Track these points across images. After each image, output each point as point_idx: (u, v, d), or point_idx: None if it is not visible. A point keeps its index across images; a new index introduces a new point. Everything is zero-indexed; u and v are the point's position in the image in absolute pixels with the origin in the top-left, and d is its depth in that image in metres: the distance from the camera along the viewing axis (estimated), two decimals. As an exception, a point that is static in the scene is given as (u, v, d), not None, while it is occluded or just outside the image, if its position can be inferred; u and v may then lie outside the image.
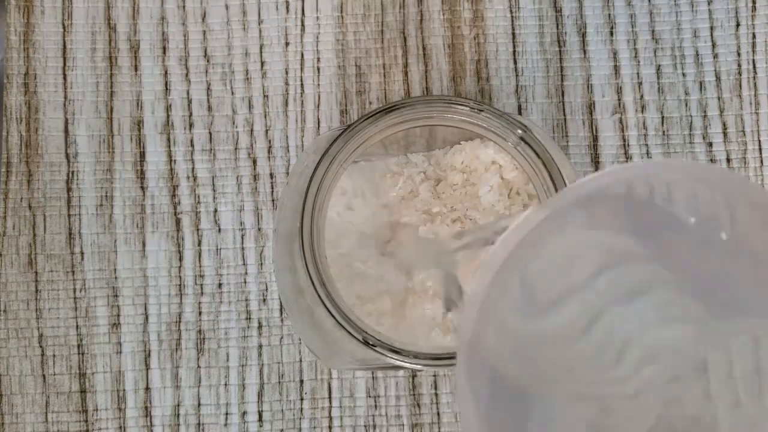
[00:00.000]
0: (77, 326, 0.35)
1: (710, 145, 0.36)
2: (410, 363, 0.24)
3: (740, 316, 0.18)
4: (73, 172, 0.35)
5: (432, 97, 0.26)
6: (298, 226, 0.25)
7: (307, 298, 0.26)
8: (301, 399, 0.35)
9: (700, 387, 0.18)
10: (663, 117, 0.36)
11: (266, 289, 0.35)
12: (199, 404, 0.34)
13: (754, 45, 0.37)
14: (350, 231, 0.28)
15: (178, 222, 0.35)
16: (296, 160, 0.36)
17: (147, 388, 0.35)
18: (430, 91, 0.36)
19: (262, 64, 0.36)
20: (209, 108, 0.36)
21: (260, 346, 0.35)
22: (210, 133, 0.36)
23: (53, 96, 0.36)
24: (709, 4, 0.37)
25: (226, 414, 0.34)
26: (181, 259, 0.35)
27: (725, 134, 0.36)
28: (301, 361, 0.35)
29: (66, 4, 0.36)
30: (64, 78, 0.36)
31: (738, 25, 0.37)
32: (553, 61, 0.37)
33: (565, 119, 0.36)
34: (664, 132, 0.36)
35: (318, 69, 0.36)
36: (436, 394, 0.35)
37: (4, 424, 0.34)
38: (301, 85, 0.36)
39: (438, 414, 0.34)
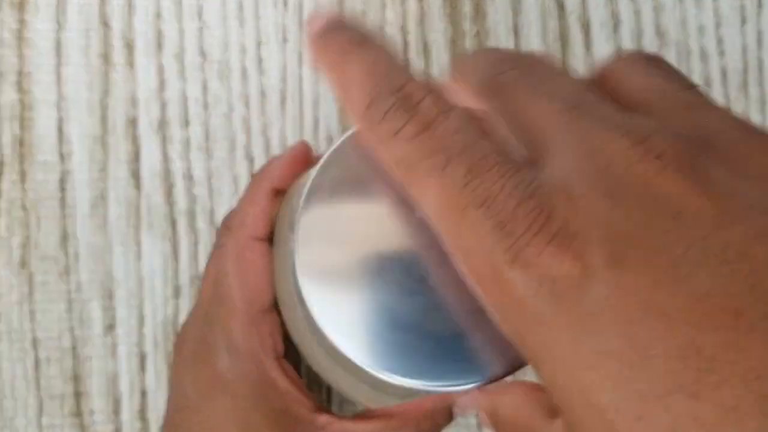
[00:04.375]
0: (71, 328, 0.34)
1: (716, 143, 0.36)
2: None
3: None
4: (67, 172, 0.35)
5: None
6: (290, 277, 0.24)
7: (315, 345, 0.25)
8: (300, 402, 0.34)
9: None
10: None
11: (263, 291, 0.34)
12: (195, 408, 0.34)
13: (760, 42, 0.37)
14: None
15: (173, 222, 0.35)
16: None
17: (142, 391, 0.34)
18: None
19: (260, 61, 0.36)
20: (205, 106, 0.35)
21: (257, 349, 0.34)
22: (206, 131, 0.35)
23: (47, 94, 0.35)
24: (714, 0, 0.37)
25: (223, 418, 0.34)
26: (176, 259, 0.35)
27: (731, 132, 0.36)
28: (299, 363, 0.34)
29: (60, 1, 0.36)
30: (58, 75, 0.35)
31: (744, 21, 0.37)
32: (556, 58, 0.36)
33: (568, 117, 0.36)
34: (669, 130, 0.36)
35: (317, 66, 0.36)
36: (437, 398, 0.34)
37: (-5, 429, 0.34)
38: (299, 82, 0.36)
39: (439, 418, 0.34)
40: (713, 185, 0.15)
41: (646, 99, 0.18)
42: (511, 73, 0.18)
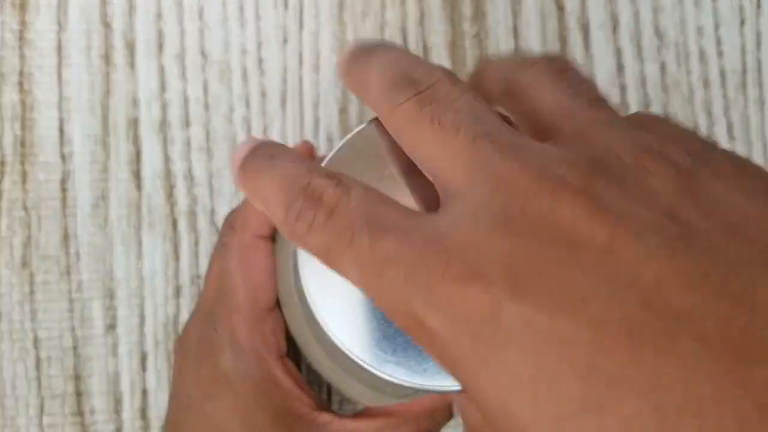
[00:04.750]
0: (72, 328, 0.34)
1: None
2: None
3: None
4: (68, 172, 0.35)
5: None
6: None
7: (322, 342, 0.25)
8: (300, 402, 0.34)
9: None
10: (667, 115, 0.36)
11: (264, 291, 0.35)
12: (196, 407, 0.34)
13: (759, 43, 0.37)
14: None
15: (174, 222, 0.35)
16: None
17: (143, 390, 0.34)
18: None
19: (260, 61, 0.36)
20: (206, 106, 0.36)
21: (258, 348, 0.34)
22: (207, 132, 0.35)
23: (48, 94, 0.35)
24: (713, 1, 0.37)
25: (224, 417, 0.34)
26: (177, 259, 0.35)
27: (730, 133, 0.36)
28: (299, 362, 0.34)
29: (61, 2, 0.36)
30: (59, 76, 0.36)
31: (743, 22, 0.37)
32: (556, 59, 0.36)
33: (567, 118, 0.36)
34: (668, 131, 0.36)
35: (317, 67, 0.36)
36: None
37: (-3, 428, 0.34)
38: (300, 83, 0.36)
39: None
40: (607, 210, 0.16)
41: (554, 121, 0.19)
42: (407, 104, 0.19)
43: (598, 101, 0.20)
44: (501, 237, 0.16)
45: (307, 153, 0.29)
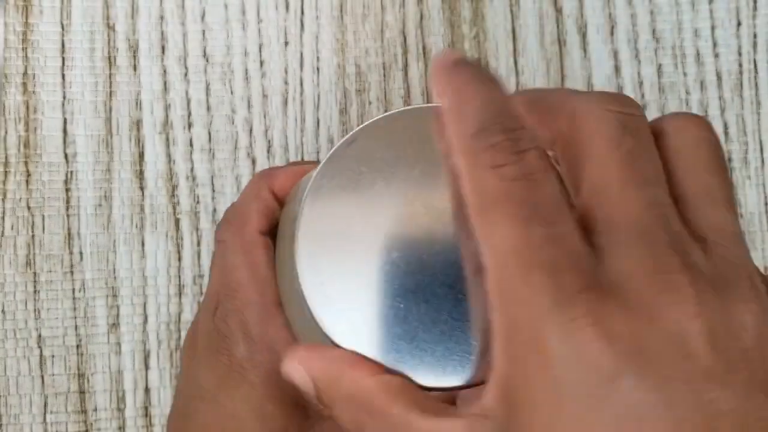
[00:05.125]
0: (76, 326, 0.35)
1: (711, 144, 0.36)
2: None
3: None
4: (71, 172, 0.35)
5: (424, 106, 0.25)
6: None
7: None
8: (301, 399, 0.34)
9: None
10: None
11: (265, 290, 0.35)
12: (198, 405, 0.34)
13: (755, 44, 0.37)
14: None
15: (177, 222, 0.35)
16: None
17: (146, 388, 0.34)
18: (429, 90, 0.36)
19: (262, 63, 0.36)
20: (208, 107, 0.36)
21: (259, 347, 0.35)
22: (209, 133, 0.36)
23: (52, 96, 0.36)
24: (710, 3, 0.37)
25: (225, 415, 0.34)
26: (180, 258, 0.35)
27: (726, 134, 0.36)
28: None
29: (65, 4, 0.36)
30: (63, 78, 0.36)
31: (739, 24, 0.37)
32: (554, 61, 0.36)
33: (565, 119, 0.36)
34: (664, 131, 0.36)
35: (317, 68, 0.36)
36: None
37: (1, 425, 0.34)
38: (301, 84, 0.36)
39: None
40: (721, 342, 0.16)
41: (694, 201, 0.19)
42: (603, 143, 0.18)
43: (729, 201, 0.19)
44: (644, 323, 0.16)
45: (305, 171, 0.29)
